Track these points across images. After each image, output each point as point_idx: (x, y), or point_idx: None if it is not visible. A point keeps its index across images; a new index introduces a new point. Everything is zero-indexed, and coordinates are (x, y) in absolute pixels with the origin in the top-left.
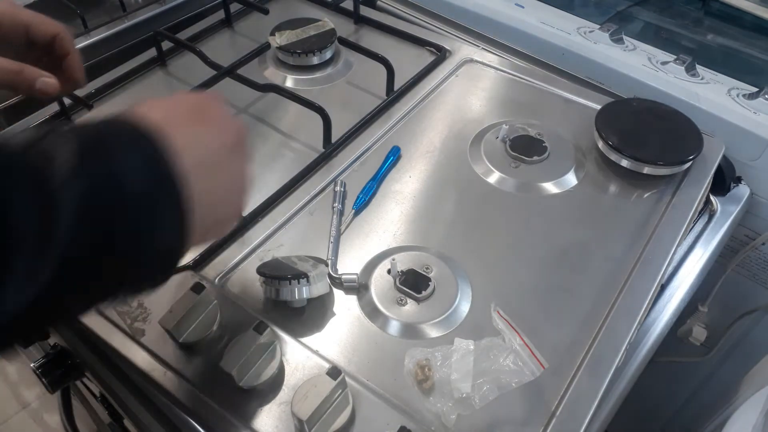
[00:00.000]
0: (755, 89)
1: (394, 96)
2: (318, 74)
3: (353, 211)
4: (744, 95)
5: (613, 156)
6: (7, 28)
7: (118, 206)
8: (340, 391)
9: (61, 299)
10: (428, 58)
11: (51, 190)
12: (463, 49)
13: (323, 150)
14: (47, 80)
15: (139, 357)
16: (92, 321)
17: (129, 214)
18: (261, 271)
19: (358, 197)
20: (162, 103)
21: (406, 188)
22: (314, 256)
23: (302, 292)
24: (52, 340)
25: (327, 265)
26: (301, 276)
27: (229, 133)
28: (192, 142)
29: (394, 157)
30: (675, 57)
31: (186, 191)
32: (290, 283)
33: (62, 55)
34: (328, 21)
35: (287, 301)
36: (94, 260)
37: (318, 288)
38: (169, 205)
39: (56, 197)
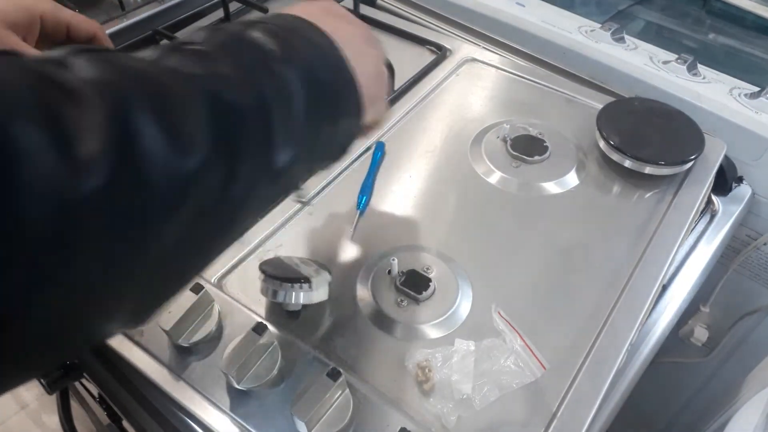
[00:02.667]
0: (757, 89)
1: (394, 95)
2: None
3: (358, 212)
4: (746, 95)
5: (615, 156)
6: (50, 27)
7: (324, 88)
8: (340, 392)
9: (298, 159)
10: (429, 57)
11: (281, 64)
12: (464, 48)
13: None
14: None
15: (138, 358)
16: None
17: (330, 95)
18: (262, 268)
19: (359, 198)
20: (308, 8)
21: (406, 188)
22: (316, 260)
23: (300, 297)
24: None
25: (330, 272)
26: (302, 280)
27: (363, 27)
28: (345, 37)
29: (380, 152)
30: (676, 56)
31: (360, 84)
32: (291, 286)
33: (89, 35)
34: None
35: (282, 304)
36: (316, 125)
37: (317, 295)
38: (351, 92)
39: (287, 71)
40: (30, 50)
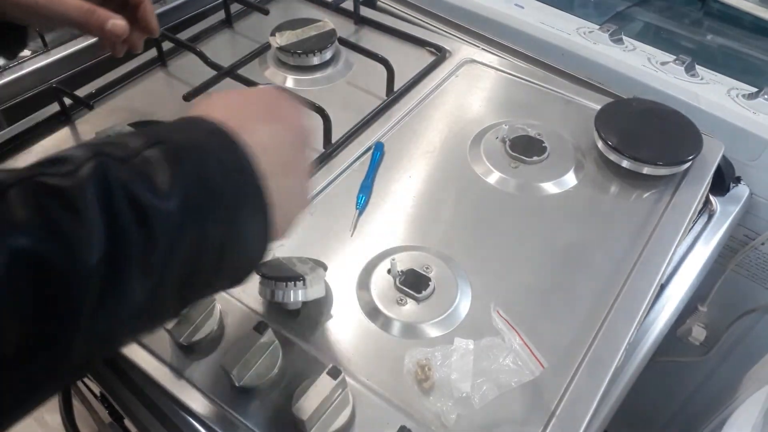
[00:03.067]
0: (755, 89)
1: (394, 96)
2: (318, 74)
3: (357, 211)
4: (743, 95)
5: (613, 156)
6: None
7: (211, 208)
8: (341, 390)
9: (164, 298)
10: (428, 58)
11: (161, 198)
12: (463, 50)
13: (323, 150)
14: (117, 22)
15: (140, 357)
16: None
17: (220, 216)
18: (260, 270)
19: (358, 198)
20: (233, 101)
21: (406, 188)
22: (314, 258)
23: (297, 294)
24: None
25: (325, 269)
26: (297, 278)
27: (298, 131)
28: (267, 143)
29: (379, 152)
30: (674, 57)
31: (266, 192)
32: (286, 285)
33: (135, 3)
34: (328, 21)
35: (282, 303)
36: (194, 259)
37: (313, 291)
38: (255, 207)
39: (159, 208)
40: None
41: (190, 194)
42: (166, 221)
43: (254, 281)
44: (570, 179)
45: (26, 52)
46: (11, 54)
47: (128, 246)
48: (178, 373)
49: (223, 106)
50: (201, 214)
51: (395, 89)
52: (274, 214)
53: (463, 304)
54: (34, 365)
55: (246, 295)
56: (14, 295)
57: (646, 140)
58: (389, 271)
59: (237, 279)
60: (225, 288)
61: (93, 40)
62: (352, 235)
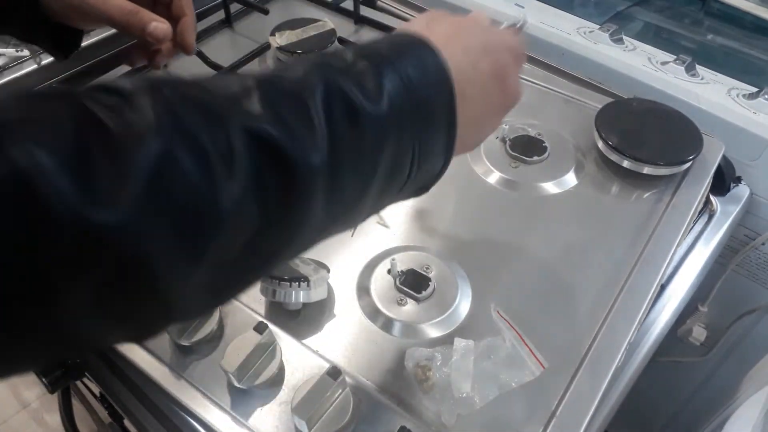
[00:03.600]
0: (755, 89)
1: None
2: None
3: None
4: (744, 95)
5: (613, 156)
6: None
7: (410, 117)
8: (340, 391)
9: (365, 201)
10: None
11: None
12: None
13: None
14: (160, 25)
15: (139, 357)
16: None
17: (416, 125)
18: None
19: None
20: (449, 29)
21: None
22: (315, 259)
23: (299, 295)
24: None
25: (328, 271)
26: (300, 279)
27: (502, 67)
28: (467, 70)
29: None
30: (675, 57)
31: (456, 112)
32: (290, 285)
33: (178, 15)
34: (328, 21)
35: (282, 303)
36: (392, 166)
37: (316, 293)
38: (444, 123)
39: (371, 113)
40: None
41: (395, 102)
42: (375, 124)
43: None
44: (570, 179)
45: (25, 52)
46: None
47: (345, 150)
48: (178, 373)
49: (439, 32)
50: (402, 121)
51: None
52: (458, 134)
53: (463, 305)
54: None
55: (246, 295)
56: (255, 177)
57: (646, 140)
58: (389, 272)
59: (417, 191)
60: (404, 199)
61: (92, 40)
62: (352, 235)
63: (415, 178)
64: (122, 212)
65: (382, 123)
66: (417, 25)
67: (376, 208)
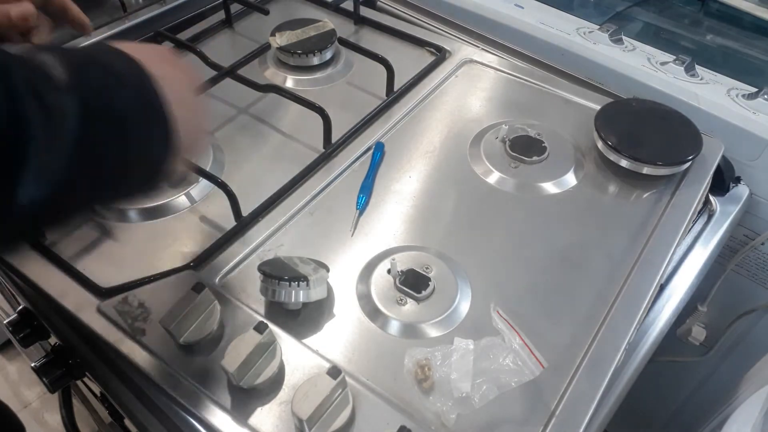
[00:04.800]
0: (754, 89)
1: (394, 96)
2: (318, 75)
3: (357, 211)
4: (743, 95)
5: (613, 156)
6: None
7: (118, 114)
8: (340, 390)
9: (72, 194)
10: (428, 58)
11: (59, 92)
12: (463, 50)
13: (323, 150)
14: (21, 9)
15: (140, 356)
16: (92, 320)
17: (128, 123)
18: (261, 269)
19: (359, 198)
20: (133, 46)
21: (406, 188)
22: (316, 259)
23: (299, 295)
24: (52, 340)
25: (328, 270)
26: (300, 279)
27: (191, 75)
28: (168, 77)
29: (379, 152)
30: (674, 57)
31: (171, 113)
32: (289, 285)
33: (61, 9)
34: (328, 21)
35: (282, 303)
36: (98, 157)
37: (316, 293)
38: (158, 121)
39: (64, 99)
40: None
41: (87, 89)
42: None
43: (255, 281)
44: (570, 179)
45: None
46: None
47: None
48: (178, 372)
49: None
50: (101, 100)
51: (395, 89)
52: (176, 124)
53: (463, 304)
54: None
55: (246, 295)
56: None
57: (645, 140)
58: (389, 271)
59: (146, 181)
60: (137, 192)
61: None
62: (352, 235)
63: (135, 165)
64: None
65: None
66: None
67: (96, 196)
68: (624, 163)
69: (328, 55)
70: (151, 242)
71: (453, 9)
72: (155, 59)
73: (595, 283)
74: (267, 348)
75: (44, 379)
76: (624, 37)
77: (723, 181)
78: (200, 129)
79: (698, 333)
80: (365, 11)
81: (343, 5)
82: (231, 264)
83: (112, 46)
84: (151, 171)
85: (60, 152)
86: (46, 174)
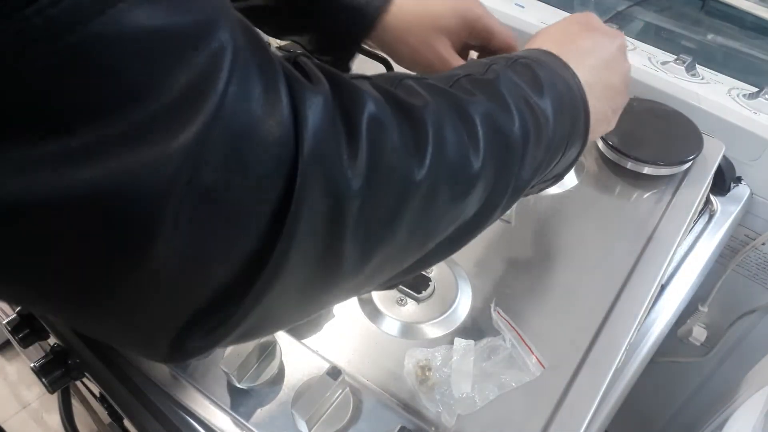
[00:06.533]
0: (755, 89)
1: None
2: None
3: None
4: (744, 95)
5: (613, 156)
6: (475, 33)
7: (565, 119)
8: (340, 391)
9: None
10: None
11: (541, 98)
12: None
13: None
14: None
15: (139, 357)
16: None
17: (569, 127)
18: None
19: None
20: (558, 32)
21: None
22: None
23: None
24: (51, 340)
25: None
26: None
27: (612, 44)
28: (595, 86)
29: None
30: (675, 57)
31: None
32: None
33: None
34: None
35: None
36: (553, 153)
37: None
38: (582, 122)
39: (544, 109)
40: (453, 60)
41: (557, 99)
42: (548, 127)
43: None
44: (570, 179)
45: None
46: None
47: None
48: (178, 373)
49: (571, 52)
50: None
51: None
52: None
53: (463, 305)
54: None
55: None
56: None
57: (646, 140)
58: None
59: (554, 180)
60: (540, 188)
61: None
62: None
63: (556, 167)
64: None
65: (551, 126)
66: (548, 42)
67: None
68: (625, 162)
69: None
70: None
71: None
72: (577, 40)
73: (596, 283)
74: (267, 348)
75: (43, 380)
76: (625, 37)
77: (724, 181)
78: (611, 119)
79: (699, 333)
80: None
81: None
82: None
83: (540, 50)
84: (565, 168)
85: (541, 145)
86: (533, 163)
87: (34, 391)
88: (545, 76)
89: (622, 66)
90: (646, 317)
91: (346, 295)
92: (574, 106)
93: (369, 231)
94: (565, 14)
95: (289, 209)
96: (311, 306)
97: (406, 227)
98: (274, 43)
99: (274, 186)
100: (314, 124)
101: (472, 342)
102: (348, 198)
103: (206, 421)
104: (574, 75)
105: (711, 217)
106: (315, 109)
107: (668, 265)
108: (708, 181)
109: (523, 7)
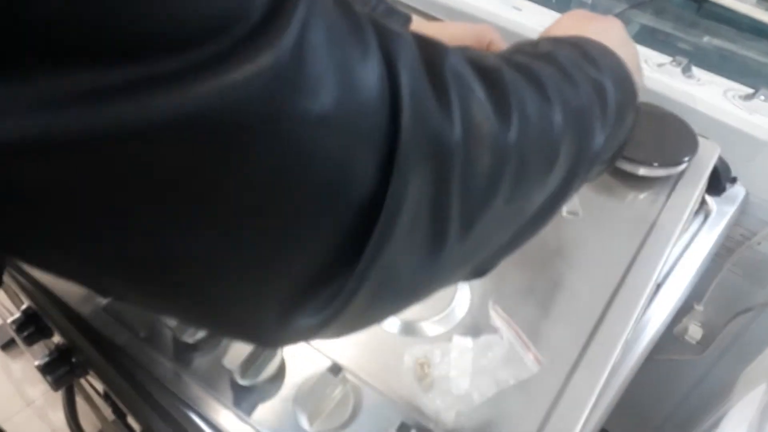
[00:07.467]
0: (751, 90)
1: None
2: None
3: None
4: (740, 96)
5: None
6: None
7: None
8: (341, 387)
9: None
10: None
11: (600, 73)
12: None
13: None
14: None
15: (142, 354)
16: (95, 319)
17: (625, 97)
18: None
19: None
20: (565, 25)
21: None
22: None
23: None
24: (56, 339)
25: None
26: None
27: (617, 26)
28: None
29: None
30: (671, 59)
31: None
32: None
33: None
34: None
35: None
36: (619, 121)
37: None
38: (634, 92)
39: (604, 81)
40: None
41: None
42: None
43: None
44: None
45: None
46: None
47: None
48: (181, 370)
49: (570, 30)
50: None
51: None
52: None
53: (462, 303)
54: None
55: None
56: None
57: (642, 142)
58: None
59: (619, 153)
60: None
61: None
62: None
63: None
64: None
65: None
66: (561, 33)
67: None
68: (620, 164)
69: None
70: None
71: (449, 10)
72: (592, 27)
73: (592, 281)
74: None
75: (48, 378)
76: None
77: (719, 181)
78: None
79: (695, 332)
80: None
81: None
82: None
83: (606, 49)
84: (621, 145)
85: (606, 113)
86: (603, 131)
87: (39, 388)
88: (591, 50)
89: (632, 44)
90: (642, 315)
91: (450, 274)
92: (624, 78)
93: (471, 189)
94: None
95: (397, 152)
96: (420, 286)
97: (502, 195)
98: None
99: (378, 124)
100: (406, 66)
101: (470, 339)
102: (450, 147)
103: (209, 418)
104: (613, 52)
105: (707, 217)
106: (405, 55)
107: (664, 264)
108: (703, 182)
109: (520, 9)
